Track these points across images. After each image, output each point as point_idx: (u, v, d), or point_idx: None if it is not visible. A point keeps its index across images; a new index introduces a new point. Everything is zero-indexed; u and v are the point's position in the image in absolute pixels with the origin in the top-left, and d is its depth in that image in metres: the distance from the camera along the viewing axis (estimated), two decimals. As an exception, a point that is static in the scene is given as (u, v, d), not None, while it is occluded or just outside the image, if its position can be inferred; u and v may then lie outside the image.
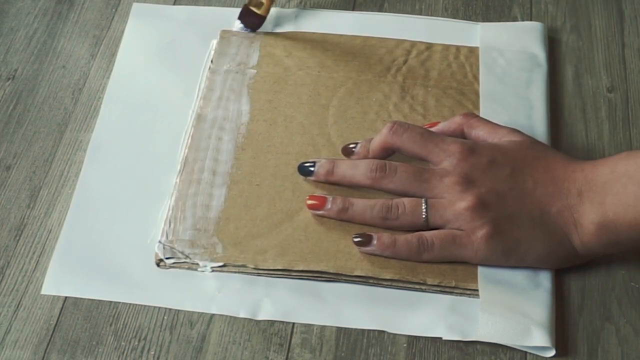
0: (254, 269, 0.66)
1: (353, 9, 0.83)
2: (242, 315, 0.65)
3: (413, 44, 0.80)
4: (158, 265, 0.67)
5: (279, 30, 0.81)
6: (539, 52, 0.79)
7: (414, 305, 0.65)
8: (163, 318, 0.65)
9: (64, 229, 0.69)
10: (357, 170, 0.68)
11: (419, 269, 0.66)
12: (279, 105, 0.76)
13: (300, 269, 0.66)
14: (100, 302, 0.66)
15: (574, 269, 0.66)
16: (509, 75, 0.77)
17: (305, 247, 0.67)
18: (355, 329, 0.64)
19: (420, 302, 0.65)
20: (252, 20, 0.80)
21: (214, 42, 0.80)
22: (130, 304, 0.65)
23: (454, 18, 0.82)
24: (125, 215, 0.70)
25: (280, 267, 0.66)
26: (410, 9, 0.83)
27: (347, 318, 0.65)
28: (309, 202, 0.68)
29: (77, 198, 0.71)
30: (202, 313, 0.65)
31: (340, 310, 0.65)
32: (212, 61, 0.79)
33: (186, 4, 0.84)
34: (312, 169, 0.70)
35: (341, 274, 0.66)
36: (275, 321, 0.65)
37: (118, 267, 0.67)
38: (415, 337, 0.64)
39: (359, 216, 0.67)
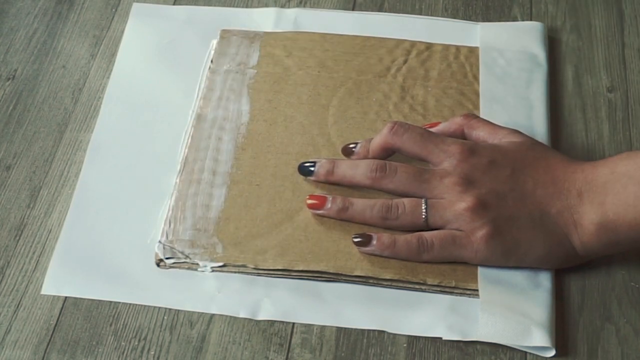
0: (254, 269, 0.66)
1: (353, 9, 0.83)
2: (242, 315, 0.65)
3: (413, 44, 0.80)
4: (158, 265, 0.67)
5: (279, 30, 0.81)
6: (539, 52, 0.79)
7: (414, 305, 0.65)
8: (163, 318, 0.65)
9: (64, 229, 0.69)
10: (357, 170, 0.68)
11: (419, 269, 0.66)
12: (279, 105, 0.76)
13: (300, 269, 0.66)
14: (100, 302, 0.66)
15: (574, 269, 0.66)
16: (509, 75, 0.77)
17: (305, 247, 0.67)
18: (355, 329, 0.64)
19: (420, 302, 0.65)
20: None
21: (214, 42, 0.80)
22: (130, 304, 0.66)
23: (454, 18, 0.82)
24: (125, 215, 0.70)
25: (280, 267, 0.66)
26: (410, 9, 0.83)
27: (347, 318, 0.65)
28: (309, 201, 0.68)
29: (77, 198, 0.71)
30: (202, 313, 0.65)
31: (340, 310, 0.65)
32: (212, 61, 0.79)
33: (186, 4, 0.84)
34: (312, 168, 0.70)
35: (341, 274, 0.66)
36: (275, 321, 0.65)
37: (118, 267, 0.67)
38: (415, 337, 0.64)
39: (359, 216, 0.67)
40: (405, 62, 0.78)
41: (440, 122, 0.71)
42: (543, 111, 0.75)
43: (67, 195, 0.71)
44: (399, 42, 0.80)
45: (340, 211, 0.68)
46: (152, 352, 0.63)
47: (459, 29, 0.81)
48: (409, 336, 0.64)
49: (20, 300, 0.66)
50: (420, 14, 0.83)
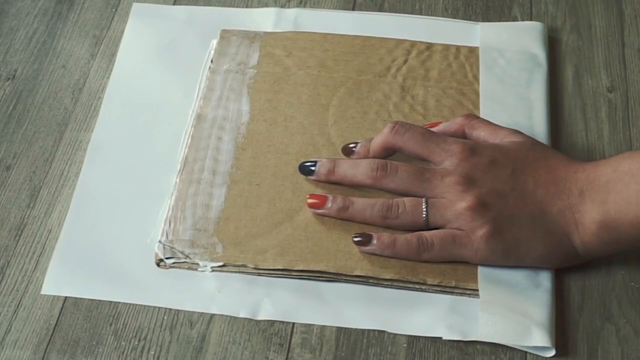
0: (254, 268, 0.66)
1: (353, 9, 0.83)
2: (242, 315, 0.65)
3: (413, 43, 0.80)
4: (158, 265, 0.67)
5: (279, 30, 0.81)
6: (539, 52, 0.79)
7: (414, 305, 0.65)
8: (163, 318, 0.65)
9: (64, 229, 0.69)
10: (358, 169, 0.68)
11: (419, 269, 0.66)
12: (279, 105, 0.76)
13: (300, 268, 0.66)
14: (100, 302, 0.66)
15: (574, 269, 0.66)
16: (509, 75, 0.77)
17: (305, 246, 0.67)
18: (355, 329, 0.64)
19: (420, 302, 0.65)
20: None
21: (214, 42, 0.80)
22: (130, 304, 0.65)
23: (454, 18, 0.82)
24: (125, 215, 0.70)
25: (280, 267, 0.66)
26: (410, 9, 0.83)
27: (347, 318, 0.65)
28: (309, 200, 0.68)
29: (77, 198, 0.71)
30: (202, 313, 0.65)
31: (340, 310, 0.65)
32: (212, 61, 0.79)
33: (186, 4, 0.84)
34: (313, 168, 0.70)
35: (341, 274, 0.66)
36: (275, 321, 0.65)
37: (118, 267, 0.67)
38: (415, 337, 0.64)
39: (359, 215, 0.67)
40: (405, 62, 0.78)
41: (440, 122, 0.72)
42: (543, 111, 0.75)
43: (67, 195, 0.71)
44: (399, 42, 0.80)
45: (341, 210, 0.68)
46: (152, 352, 0.63)
47: (459, 29, 0.81)
48: (409, 336, 0.64)
49: (20, 300, 0.66)
50: (420, 14, 0.83)
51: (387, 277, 0.65)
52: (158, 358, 0.63)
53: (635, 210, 0.62)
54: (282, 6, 0.83)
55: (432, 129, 0.70)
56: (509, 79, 0.77)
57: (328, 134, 0.74)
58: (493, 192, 0.65)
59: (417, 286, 0.65)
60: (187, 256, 0.67)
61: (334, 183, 0.70)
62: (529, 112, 0.75)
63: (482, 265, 0.66)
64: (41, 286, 0.66)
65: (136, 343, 0.64)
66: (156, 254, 0.67)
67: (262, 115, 0.75)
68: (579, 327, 0.64)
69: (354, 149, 0.71)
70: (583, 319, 0.65)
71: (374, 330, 0.64)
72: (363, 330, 0.64)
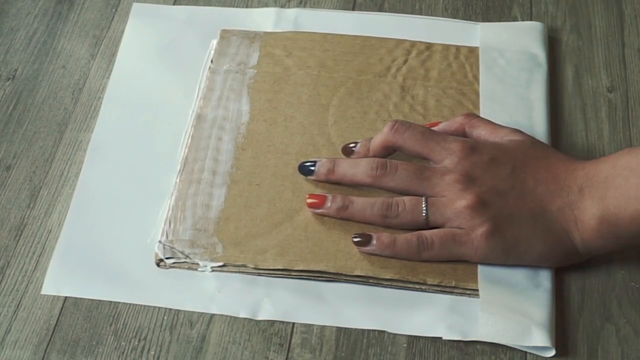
0: (254, 268, 0.66)
1: (353, 9, 0.83)
2: (242, 315, 0.65)
3: (413, 43, 0.80)
4: (158, 265, 0.67)
5: (279, 30, 0.81)
6: (539, 52, 0.79)
7: (414, 305, 0.65)
8: (163, 318, 0.65)
9: (64, 229, 0.69)
10: (357, 168, 0.68)
11: (419, 269, 0.66)
12: (279, 105, 0.76)
13: (300, 268, 0.66)
14: (100, 302, 0.66)
15: (574, 268, 0.66)
16: (509, 75, 0.77)
17: (305, 247, 0.67)
18: (355, 329, 0.64)
19: (420, 302, 0.65)
20: None
21: (214, 42, 0.80)
22: (130, 304, 0.65)
23: (454, 18, 0.82)
24: (125, 215, 0.70)
25: (280, 267, 0.66)
26: (410, 9, 0.83)
27: (347, 318, 0.65)
28: (309, 200, 0.68)
29: (77, 198, 0.71)
30: (202, 313, 0.65)
31: (340, 310, 0.65)
32: (212, 61, 0.79)
33: (186, 4, 0.84)
34: (312, 168, 0.70)
35: (341, 274, 0.66)
36: (275, 321, 0.65)
37: (118, 267, 0.67)
38: (415, 337, 0.64)
39: (359, 214, 0.67)
40: (405, 62, 0.78)
41: (441, 122, 0.72)
42: (543, 111, 0.75)
43: (67, 195, 0.71)
44: (399, 42, 0.80)
45: (340, 210, 0.68)
46: (152, 352, 0.63)
47: (459, 29, 0.81)
48: (409, 336, 0.64)
49: (20, 300, 0.66)
50: (420, 14, 0.83)
51: (387, 277, 0.65)
52: (158, 358, 0.63)
53: (634, 204, 0.62)
54: (282, 6, 0.83)
55: (432, 128, 0.70)
56: (509, 79, 0.77)
57: (328, 134, 0.74)
58: (493, 191, 0.65)
59: (417, 286, 0.65)
60: (187, 256, 0.67)
61: (333, 183, 0.70)
62: (529, 112, 0.75)
63: (482, 264, 0.66)
64: (41, 286, 0.66)
65: (136, 343, 0.64)
66: (156, 254, 0.67)
67: (262, 115, 0.75)
68: (579, 327, 0.64)
69: (353, 148, 0.71)
70: (583, 319, 0.65)
71: (374, 330, 0.64)
72: (363, 330, 0.64)
